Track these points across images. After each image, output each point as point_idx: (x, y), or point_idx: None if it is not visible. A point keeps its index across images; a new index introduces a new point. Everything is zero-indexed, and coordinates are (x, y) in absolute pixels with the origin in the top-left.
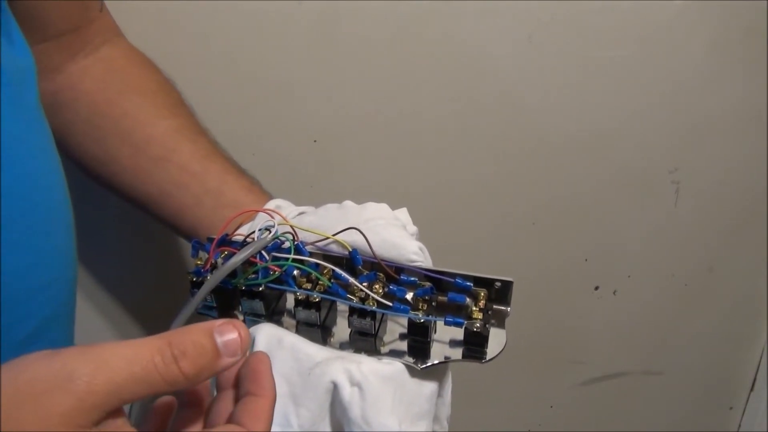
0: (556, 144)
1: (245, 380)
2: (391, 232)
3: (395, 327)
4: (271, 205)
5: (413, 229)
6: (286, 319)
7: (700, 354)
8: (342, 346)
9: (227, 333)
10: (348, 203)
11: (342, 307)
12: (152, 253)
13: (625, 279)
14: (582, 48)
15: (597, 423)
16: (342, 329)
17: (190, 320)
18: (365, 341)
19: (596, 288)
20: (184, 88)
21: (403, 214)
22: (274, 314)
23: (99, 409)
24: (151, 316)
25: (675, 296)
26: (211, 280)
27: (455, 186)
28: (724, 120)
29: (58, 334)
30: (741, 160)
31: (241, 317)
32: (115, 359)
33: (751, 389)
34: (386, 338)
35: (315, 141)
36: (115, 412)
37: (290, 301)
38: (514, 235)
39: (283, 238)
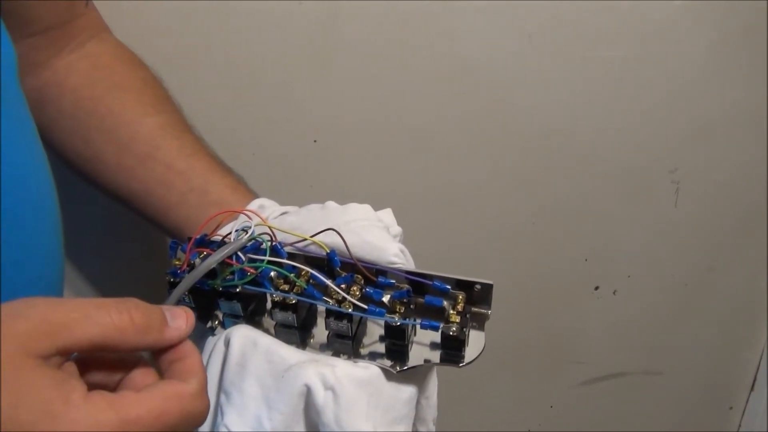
0: (556, 144)
1: (169, 355)
2: (373, 234)
3: (375, 329)
4: (254, 204)
5: (396, 230)
6: (266, 319)
7: (700, 354)
8: (321, 348)
9: (175, 310)
10: (330, 204)
11: (322, 308)
12: (140, 251)
13: (625, 279)
14: (582, 48)
15: (597, 423)
16: (321, 331)
17: None
18: (343, 343)
19: (596, 288)
20: (183, 88)
21: (387, 215)
22: (254, 314)
23: (50, 339)
24: None
25: (675, 296)
26: (185, 282)
27: (455, 185)
28: (724, 120)
29: None
30: (741, 160)
31: (221, 317)
32: (74, 301)
33: (751, 389)
34: (366, 340)
35: (315, 141)
36: (65, 354)
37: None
38: (514, 235)
39: (260, 239)
